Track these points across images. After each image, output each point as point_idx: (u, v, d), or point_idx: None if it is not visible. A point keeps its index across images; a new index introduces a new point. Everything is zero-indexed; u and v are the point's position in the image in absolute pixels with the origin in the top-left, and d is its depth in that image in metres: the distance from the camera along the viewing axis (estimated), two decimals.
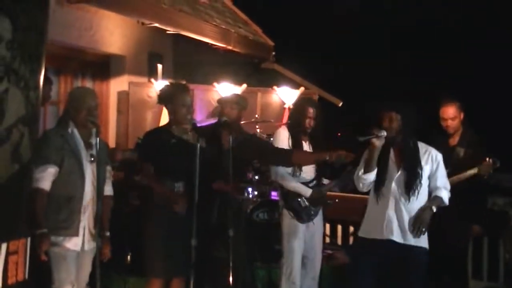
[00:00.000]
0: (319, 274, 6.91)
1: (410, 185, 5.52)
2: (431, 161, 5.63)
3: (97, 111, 5.81)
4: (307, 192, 6.64)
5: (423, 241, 5.57)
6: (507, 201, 7.40)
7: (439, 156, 5.67)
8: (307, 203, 6.68)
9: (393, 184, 5.55)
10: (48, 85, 6.50)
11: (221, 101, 6.93)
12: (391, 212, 5.55)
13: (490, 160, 6.51)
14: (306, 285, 6.86)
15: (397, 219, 5.53)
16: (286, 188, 6.72)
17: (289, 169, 6.66)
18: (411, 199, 5.52)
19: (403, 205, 5.54)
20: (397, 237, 5.52)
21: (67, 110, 5.65)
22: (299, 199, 6.68)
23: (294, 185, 6.67)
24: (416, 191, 5.50)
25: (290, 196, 6.71)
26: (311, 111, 6.76)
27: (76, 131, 5.53)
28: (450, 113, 6.83)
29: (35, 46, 5.18)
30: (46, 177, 5.34)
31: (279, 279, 6.81)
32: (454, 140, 6.91)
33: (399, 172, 5.56)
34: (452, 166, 6.54)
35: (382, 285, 5.60)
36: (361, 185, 5.64)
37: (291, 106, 7.02)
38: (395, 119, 5.50)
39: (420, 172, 5.55)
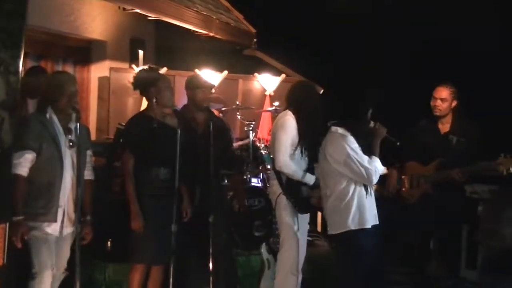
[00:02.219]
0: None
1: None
2: None
3: (78, 97, 5.82)
4: (312, 179, 6.48)
5: None
6: (484, 191, 7.45)
7: None
8: (307, 192, 6.54)
9: None
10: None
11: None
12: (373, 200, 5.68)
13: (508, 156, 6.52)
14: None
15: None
16: (290, 177, 6.51)
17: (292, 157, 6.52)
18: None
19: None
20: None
21: (45, 95, 5.60)
22: (301, 188, 6.58)
23: (299, 174, 6.47)
24: None
25: (292, 185, 6.61)
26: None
27: (54, 117, 5.51)
28: (442, 94, 6.88)
29: (15, 32, 5.16)
30: (24, 163, 5.32)
31: (277, 273, 6.65)
32: (446, 127, 6.93)
33: None
34: (445, 153, 6.68)
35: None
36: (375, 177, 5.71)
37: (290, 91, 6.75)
38: None
39: None
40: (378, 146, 5.71)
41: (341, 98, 5.78)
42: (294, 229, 6.52)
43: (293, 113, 6.45)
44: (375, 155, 5.63)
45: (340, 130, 5.66)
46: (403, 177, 7.00)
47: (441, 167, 6.67)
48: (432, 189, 6.75)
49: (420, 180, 6.82)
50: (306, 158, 6.44)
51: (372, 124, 5.83)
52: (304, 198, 6.52)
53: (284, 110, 6.63)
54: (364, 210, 5.66)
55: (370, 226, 5.59)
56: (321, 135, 5.97)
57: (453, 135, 6.84)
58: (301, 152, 6.42)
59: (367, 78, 11.15)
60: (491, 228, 6.97)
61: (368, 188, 5.66)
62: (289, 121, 6.43)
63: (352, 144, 5.57)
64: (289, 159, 6.39)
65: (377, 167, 5.60)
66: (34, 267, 5.40)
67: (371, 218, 5.64)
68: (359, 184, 5.63)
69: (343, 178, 5.61)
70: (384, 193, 6.80)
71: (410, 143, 6.84)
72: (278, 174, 6.51)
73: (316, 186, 6.41)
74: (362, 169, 5.49)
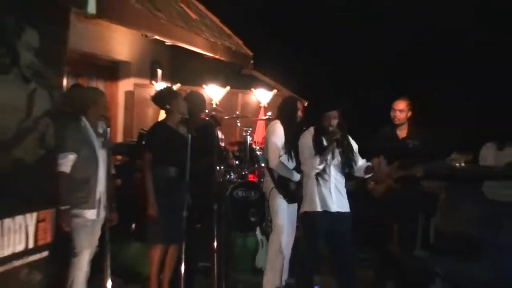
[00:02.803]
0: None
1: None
2: None
3: (106, 107, 5.87)
4: (298, 177, 6.50)
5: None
6: (437, 185, 7.46)
7: None
8: (294, 186, 6.57)
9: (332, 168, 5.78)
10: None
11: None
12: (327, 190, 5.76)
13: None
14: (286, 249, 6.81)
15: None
16: (280, 174, 6.57)
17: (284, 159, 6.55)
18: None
19: (339, 183, 5.79)
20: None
21: (79, 106, 5.60)
22: (290, 183, 6.62)
23: (288, 173, 6.56)
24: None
25: (282, 181, 6.63)
26: (300, 106, 6.78)
27: (87, 124, 5.58)
28: (400, 106, 6.90)
29: (57, 54, 5.20)
30: (67, 163, 5.37)
31: (268, 251, 6.68)
32: (403, 133, 6.95)
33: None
34: (404, 155, 6.65)
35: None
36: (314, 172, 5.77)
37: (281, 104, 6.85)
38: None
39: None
40: (330, 145, 5.73)
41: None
42: (283, 216, 6.57)
43: (281, 122, 6.55)
44: (322, 154, 5.70)
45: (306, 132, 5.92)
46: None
47: (402, 166, 6.64)
48: (395, 184, 6.74)
49: (385, 176, 6.73)
50: (294, 159, 6.48)
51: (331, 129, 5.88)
52: (292, 192, 6.56)
53: (275, 119, 6.74)
54: (312, 197, 5.79)
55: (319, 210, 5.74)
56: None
57: (410, 140, 6.87)
58: (289, 154, 6.49)
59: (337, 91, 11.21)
60: (446, 216, 6.99)
61: (320, 180, 5.76)
62: (278, 129, 6.54)
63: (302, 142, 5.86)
64: (280, 160, 6.47)
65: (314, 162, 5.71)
66: (75, 247, 5.46)
67: (320, 204, 5.75)
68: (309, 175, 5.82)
69: None
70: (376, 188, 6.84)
71: (375, 146, 6.79)
72: (271, 171, 6.57)
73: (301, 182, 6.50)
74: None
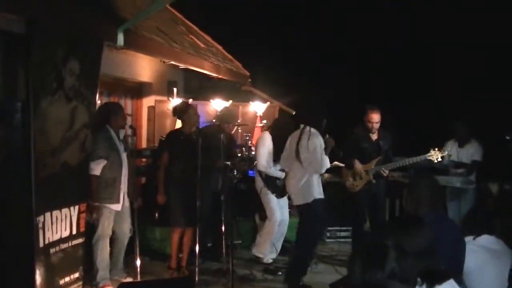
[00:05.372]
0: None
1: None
2: None
3: (125, 118, 5.97)
4: (282, 175, 6.52)
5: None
6: (400, 174, 7.47)
7: None
8: (281, 183, 6.60)
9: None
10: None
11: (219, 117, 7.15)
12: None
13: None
14: (279, 231, 6.84)
15: None
16: (268, 174, 6.64)
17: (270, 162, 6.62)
18: None
19: None
20: None
21: (104, 118, 5.59)
22: (277, 181, 6.67)
23: (274, 172, 6.63)
24: None
25: (271, 179, 6.68)
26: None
27: (112, 132, 5.61)
28: (376, 118, 6.55)
29: (93, 77, 5.27)
30: (98, 167, 5.43)
31: (260, 236, 6.78)
32: (375, 136, 6.67)
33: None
34: (378, 154, 6.59)
35: None
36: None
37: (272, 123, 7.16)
38: None
39: None
40: (327, 151, 5.81)
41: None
42: (275, 208, 6.65)
43: (270, 133, 6.71)
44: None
45: None
46: (347, 172, 6.70)
47: (378, 163, 6.56)
48: (373, 179, 6.56)
49: (363, 173, 6.55)
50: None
51: (326, 136, 5.89)
52: (279, 187, 6.63)
53: (265, 130, 6.94)
54: (319, 189, 5.85)
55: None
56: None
57: (382, 141, 6.69)
58: (275, 157, 6.56)
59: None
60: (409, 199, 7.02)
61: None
62: (266, 139, 6.67)
63: (316, 143, 5.76)
64: (266, 163, 6.58)
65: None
66: (98, 230, 5.50)
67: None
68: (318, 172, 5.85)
69: None
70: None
71: (351, 148, 6.65)
72: (259, 172, 6.69)
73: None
74: None
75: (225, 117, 7.19)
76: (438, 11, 12.63)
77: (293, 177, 5.92)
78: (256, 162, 6.74)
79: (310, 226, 5.86)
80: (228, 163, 6.37)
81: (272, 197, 6.64)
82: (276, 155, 6.50)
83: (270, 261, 6.73)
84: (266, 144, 6.64)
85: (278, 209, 6.67)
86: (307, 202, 5.78)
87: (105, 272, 5.53)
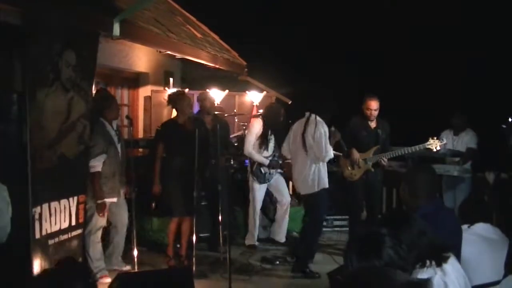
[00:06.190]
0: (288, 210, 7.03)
1: None
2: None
3: (119, 109, 5.95)
4: (266, 161, 6.71)
5: None
6: (398, 164, 7.47)
7: None
8: (266, 170, 6.74)
9: None
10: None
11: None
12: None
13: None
14: (279, 214, 6.97)
15: None
16: (253, 160, 6.76)
17: (256, 148, 6.72)
18: None
19: None
20: None
21: (99, 110, 5.51)
22: (260, 168, 6.76)
23: (258, 158, 6.73)
24: None
25: (255, 166, 6.79)
26: (283, 112, 6.89)
27: (107, 124, 5.57)
28: (375, 106, 6.53)
29: (89, 68, 5.26)
30: (100, 164, 5.40)
31: (247, 217, 6.99)
32: (374, 124, 6.65)
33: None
34: (376, 143, 6.61)
35: None
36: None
37: (265, 108, 7.17)
38: None
39: None
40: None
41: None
42: (257, 194, 6.83)
43: (262, 121, 6.78)
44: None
45: None
46: (345, 161, 6.65)
47: (376, 151, 6.57)
48: (372, 168, 6.57)
49: (361, 162, 6.53)
50: (269, 149, 6.75)
51: (332, 129, 5.93)
52: (263, 175, 6.80)
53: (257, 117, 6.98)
54: (326, 178, 5.98)
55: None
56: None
57: (380, 129, 6.67)
58: (263, 144, 6.70)
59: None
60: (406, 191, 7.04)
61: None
62: (255, 126, 6.78)
63: (322, 131, 5.85)
64: (251, 149, 6.69)
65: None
66: (93, 225, 5.48)
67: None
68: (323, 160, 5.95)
69: None
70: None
71: (350, 136, 6.62)
72: (249, 158, 6.84)
73: (271, 166, 6.74)
74: None
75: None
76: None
77: (301, 166, 5.94)
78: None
79: (317, 215, 5.92)
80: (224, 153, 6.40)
81: (256, 185, 6.76)
82: (267, 140, 6.71)
83: (283, 240, 6.96)
84: (254, 130, 6.76)
85: (260, 200, 6.88)
86: (316, 191, 5.82)
87: (101, 263, 5.53)
